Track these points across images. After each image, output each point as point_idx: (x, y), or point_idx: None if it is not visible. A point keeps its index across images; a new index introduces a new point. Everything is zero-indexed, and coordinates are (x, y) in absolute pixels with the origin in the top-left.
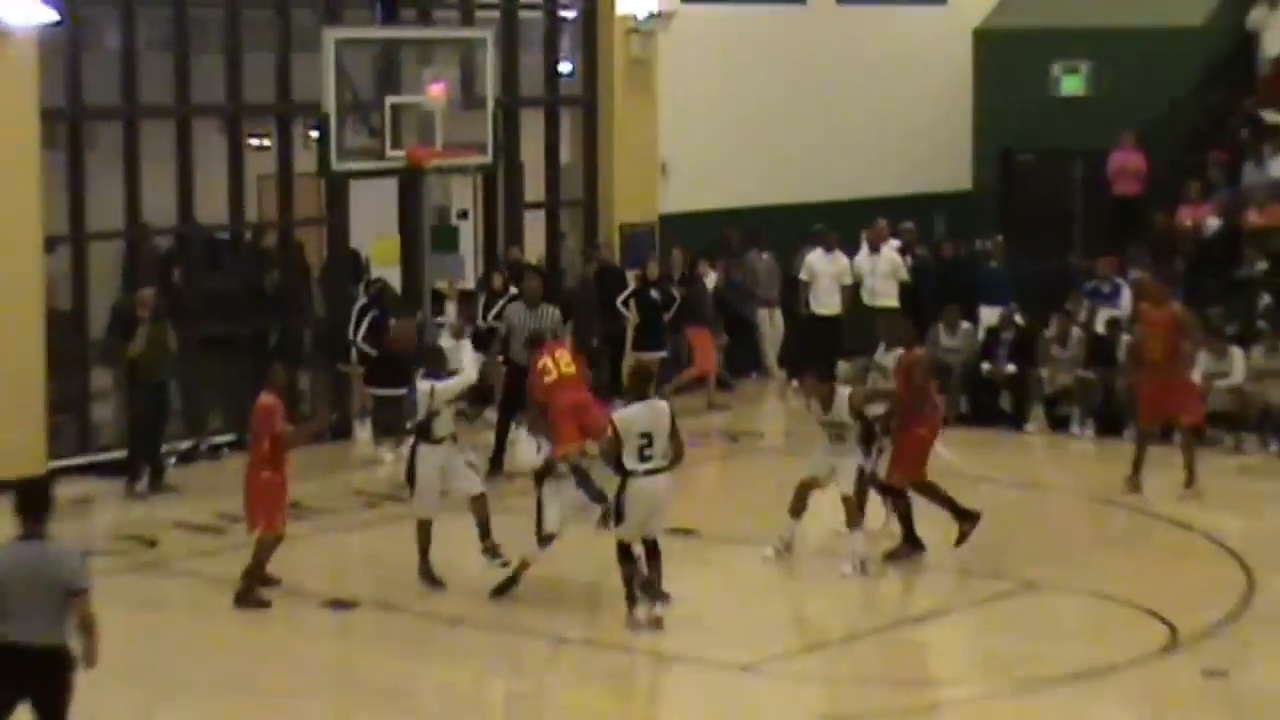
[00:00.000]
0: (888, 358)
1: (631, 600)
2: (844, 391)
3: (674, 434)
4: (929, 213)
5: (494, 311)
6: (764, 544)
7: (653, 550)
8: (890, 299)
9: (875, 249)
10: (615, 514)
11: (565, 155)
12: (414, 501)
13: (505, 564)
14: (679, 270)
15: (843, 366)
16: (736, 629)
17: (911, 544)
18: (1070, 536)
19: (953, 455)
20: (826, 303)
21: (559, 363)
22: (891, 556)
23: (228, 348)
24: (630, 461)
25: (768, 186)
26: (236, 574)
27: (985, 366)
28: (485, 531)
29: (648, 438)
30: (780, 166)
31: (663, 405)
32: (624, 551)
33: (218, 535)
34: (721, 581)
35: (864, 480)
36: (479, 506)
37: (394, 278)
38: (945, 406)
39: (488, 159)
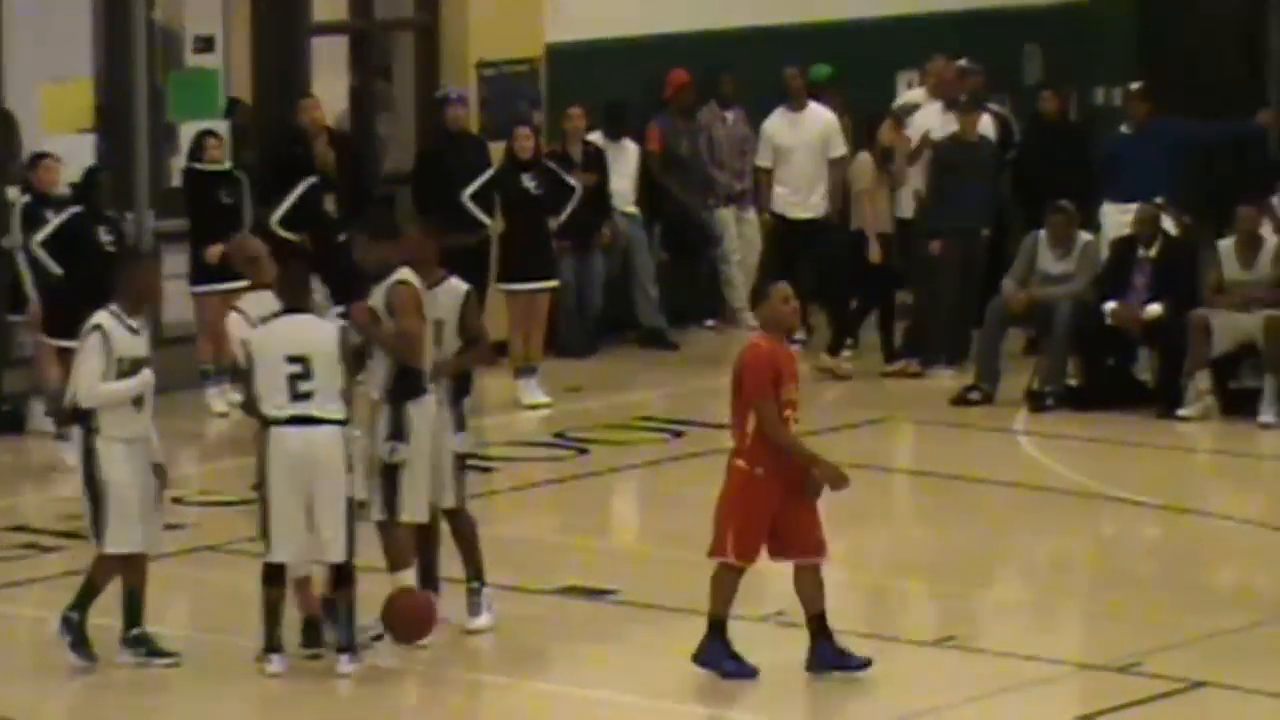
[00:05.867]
0: None
1: (272, 640)
2: None
3: (351, 358)
4: (1013, 44)
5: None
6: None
7: (341, 577)
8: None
9: (953, 104)
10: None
11: None
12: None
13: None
14: (577, 141)
15: None
16: None
17: None
18: (1257, 602)
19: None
20: (801, 198)
21: None
22: None
23: None
24: (271, 402)
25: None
26: None
27: (1110, 306)
28: None
29: (301, 363)
30: None
31: (320, 322)
32: (270, 572)
33: None
34: (660, 673)
35: None
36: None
37: (77, 151)
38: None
39: None
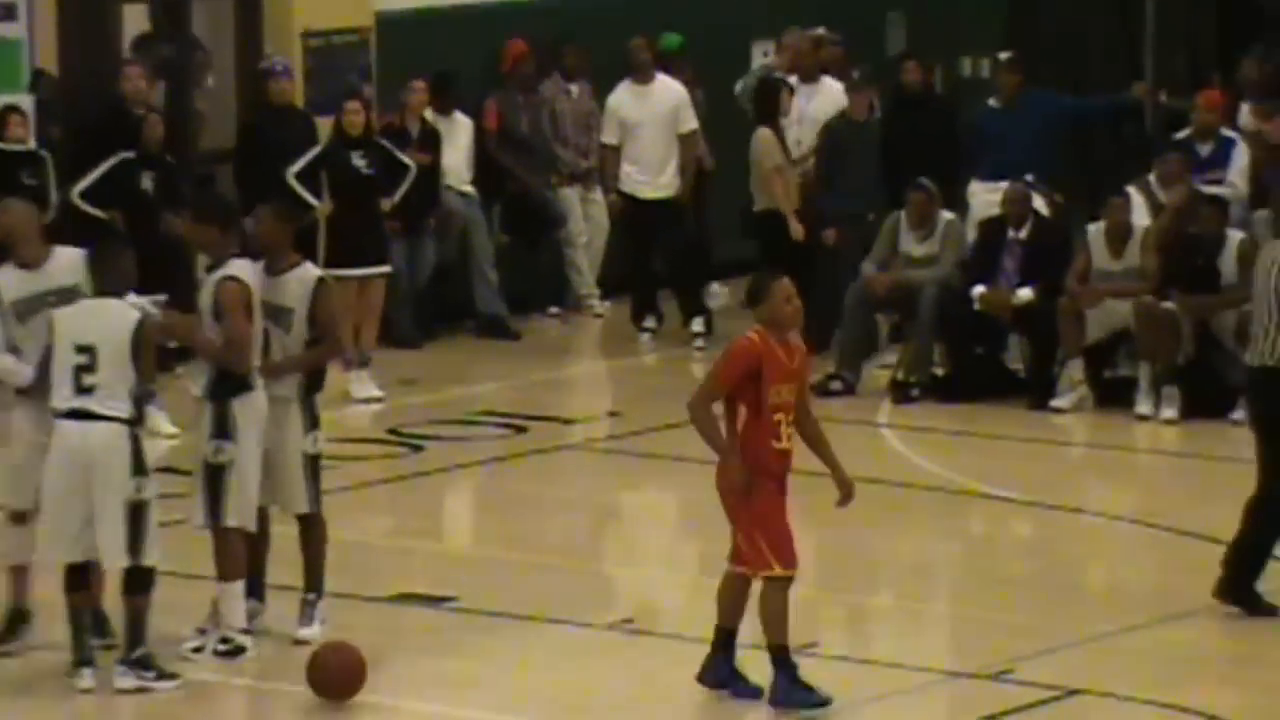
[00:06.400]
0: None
1: (79, 654)
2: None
3: (153, 353)
4: (874, 11)
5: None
6: (577, 618)
7: (129, 581)
8: None
9: (808, 78)
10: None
11: None
12: None
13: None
14: (416, 117)
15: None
16: None
17: None
18: (1132, 602)
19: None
20: (651, 178)
21: None
22: None
23: None
24: (57, 393)
25: None
26: None
27: (978, 291)
28: None
29: (88, 354)
30: None
31: (118, 311)
32: (71, 577)
33: None
34: (501, 684)
35: None
36: None
37: None
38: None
39: None
